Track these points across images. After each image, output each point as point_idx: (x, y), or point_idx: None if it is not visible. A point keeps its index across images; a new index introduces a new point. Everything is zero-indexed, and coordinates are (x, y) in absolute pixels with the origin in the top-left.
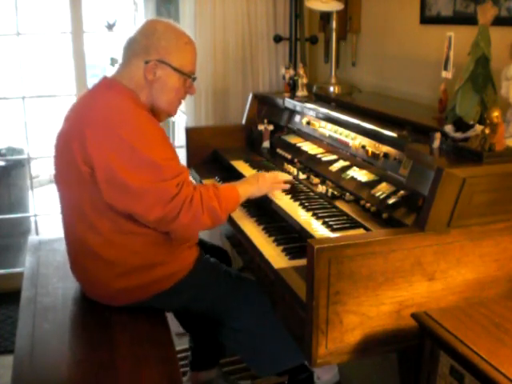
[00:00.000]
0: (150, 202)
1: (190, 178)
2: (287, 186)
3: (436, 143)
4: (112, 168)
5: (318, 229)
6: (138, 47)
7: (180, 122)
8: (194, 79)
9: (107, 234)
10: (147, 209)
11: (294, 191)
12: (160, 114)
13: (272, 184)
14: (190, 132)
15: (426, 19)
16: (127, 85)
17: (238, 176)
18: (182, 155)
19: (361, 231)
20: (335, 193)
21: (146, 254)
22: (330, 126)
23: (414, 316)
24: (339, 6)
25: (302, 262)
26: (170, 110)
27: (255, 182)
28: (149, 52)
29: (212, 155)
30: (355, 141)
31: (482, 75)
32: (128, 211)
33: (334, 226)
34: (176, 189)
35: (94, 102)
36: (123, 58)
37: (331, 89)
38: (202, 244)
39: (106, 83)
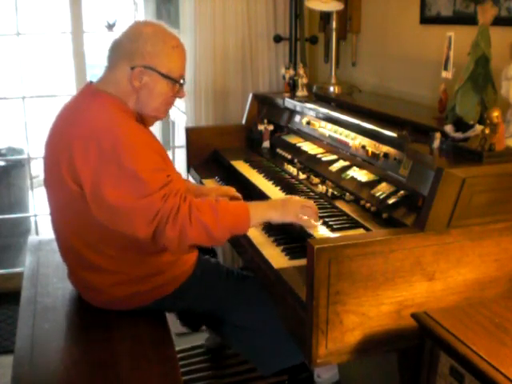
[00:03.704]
0: (136, 220)
1: (191, 179)
2: (316, 216)
3: (436, 143)
4: (97, 184)
5: (318, 229)
6: (123, 51)
7: (180, 122)
8: (183, 84)
9: (104, 248)
10: (134, 227)
11: (293, 191)
12: (148, 119)
13: (301, 209)
14: (190, 132)
15: (426, 19)
16: (113, 92)
17: (237, 176)
18: (182, 155)
19: (361, 231)
20: (335, 193)
21: (146, 265)
22: (330, 126)
23: (414, 316)
24: (339, 6)
25: (302, 261)
26: (158, 115)
27: (280, 206)
28: (134, 57)
29: (212, 155)
30: (355, 141)
31: (481, 75)
32: (117, 229)
33: (334, 226)
34: (160, 202)
35: (79, 114)
36: (108, 62)
37: (331, 89)
38: None
39: (91, 91)
